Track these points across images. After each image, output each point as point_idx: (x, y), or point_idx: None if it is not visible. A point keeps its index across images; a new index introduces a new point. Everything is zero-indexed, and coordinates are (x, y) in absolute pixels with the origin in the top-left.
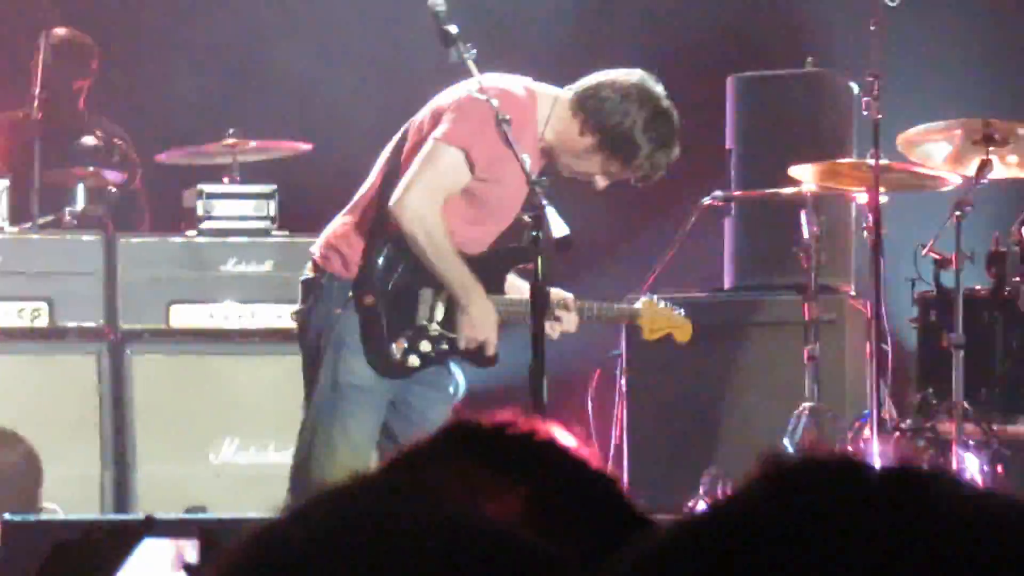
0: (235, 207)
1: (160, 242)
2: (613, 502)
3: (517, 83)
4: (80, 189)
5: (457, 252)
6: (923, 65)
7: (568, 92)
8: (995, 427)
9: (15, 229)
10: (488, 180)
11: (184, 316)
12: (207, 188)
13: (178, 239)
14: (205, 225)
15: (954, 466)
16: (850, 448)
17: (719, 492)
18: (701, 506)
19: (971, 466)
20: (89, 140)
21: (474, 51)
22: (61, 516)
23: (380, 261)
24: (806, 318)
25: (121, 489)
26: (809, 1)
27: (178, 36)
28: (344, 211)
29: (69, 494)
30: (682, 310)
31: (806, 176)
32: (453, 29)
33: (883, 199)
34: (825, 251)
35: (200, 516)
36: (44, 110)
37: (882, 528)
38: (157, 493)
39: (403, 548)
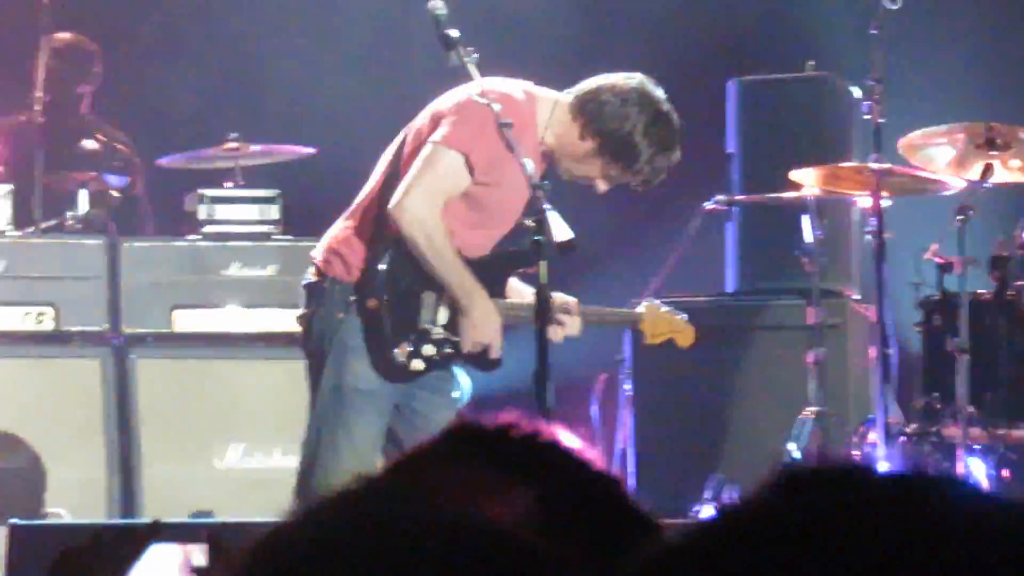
0: (238, 211)
1: (163, 246)
2: (617, 503)
3: (517, 87)
4: (82, 193)
5: (458, 255)
6: (925, 69)
7: (568, 96)
8: (1000, 431)
9: (18, 233)
10: (488, 184)
11: (188, 320)
12: (210, 192)
13: (181, 243)
14: (208, 229)
15: (959, 470)
16: (855, 453)
17: (724, 496)
18: (706, 510)
19: (977, 470)
20: (91, 145)
21: (475, 55)
22: (67, 520)
23: (382, 265)
24: (809, 322)
25: (126, 493)
26: (810, 5)
27: (181, 40)
28: (345, 215)
29: (75, 499)
30: (684, 315)
31: (808, 180)
32: (454, 33)
33: (885, 203)
34: (828, 255)
35: (207, 520)
36: (46, 114)
37: (892, 534)
38: (162, 497)
39: (407, 550)
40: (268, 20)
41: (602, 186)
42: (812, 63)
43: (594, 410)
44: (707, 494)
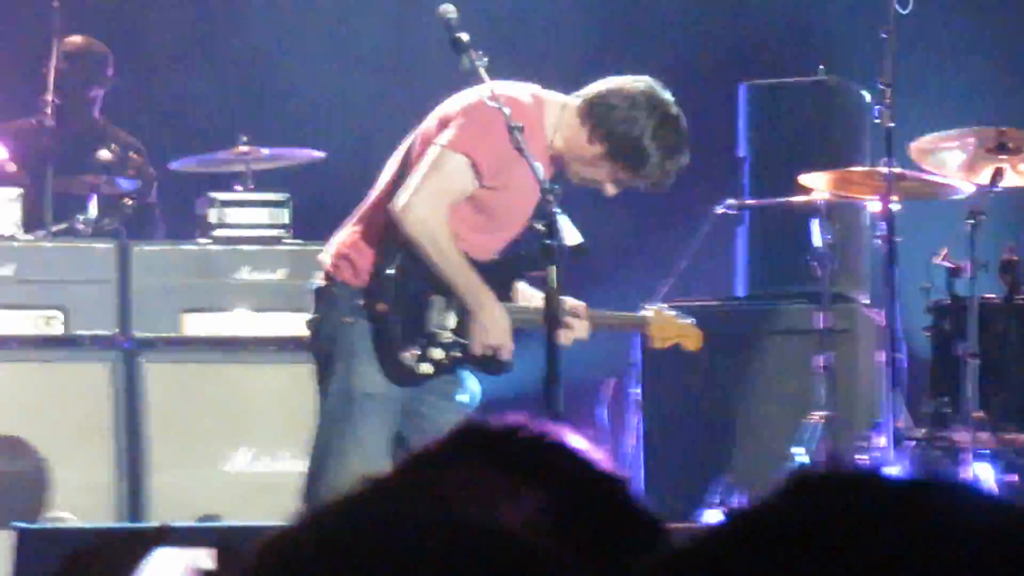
0: (248, 215)
1: (173, 250)
2: (624, 506)
3: (525, 90)
4: (93, 197)
5: (465, 258)
6: (936, 73)
7: (576, 99)
8: (1009, 436)
9: (28, 237)
10: (495, 187)
11: (197, 324)
12: (220, 196)
13: (191, 247)
14: (218, 233)
15: (969, 476)
16: (863, 458)
17: (732, 500)
18: (713, 514)
19: (985, 475)
20: (102, 149)
21: (485, 59)
22: (74, 524)
23: (391, 269)
24: (819, 327)
25: (134, 497)
26: (821, 9)
27: (192, 44)
28: (353, 219)
29: (82, 502)
30: (692, 319)
31: (818, 184)
32: (464, 37)
33: (896, 207)
34: (838, 260)
35: (215, 524)
36: (57, 118)
37: (901, 539)
38: (170, 501)
39: (414, 552)
40: (280, 24)
41: (611, 189)
42: (823, 67)
43: (602, 414)
44: (715, 498)
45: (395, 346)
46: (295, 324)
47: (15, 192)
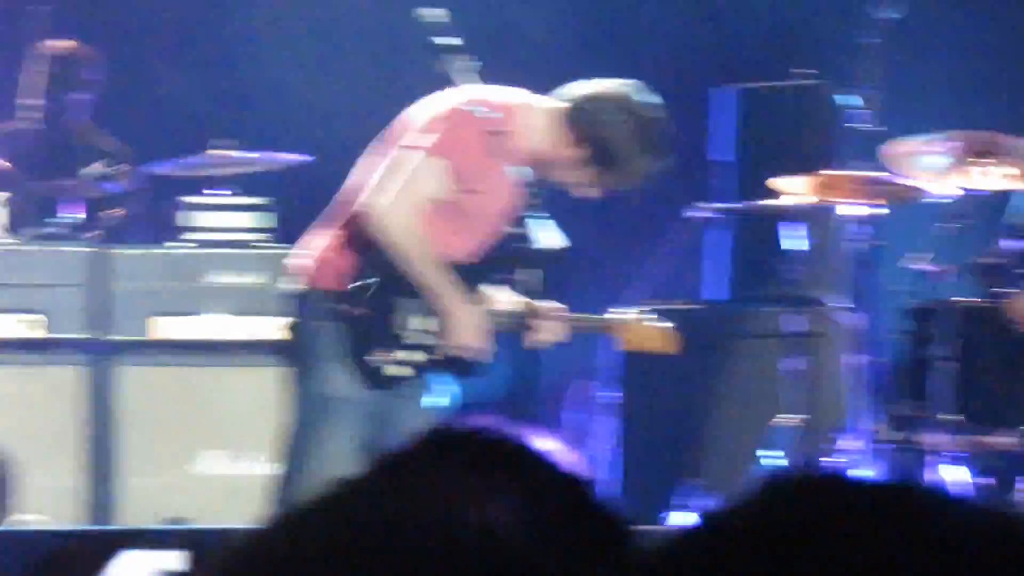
0: (227, 219)
1: (148, 254)
2: (591, 508)
3: (506, 94)
4: (73, 201)
5: (437, 260)
6: (914, 77)
7: (556, 103)
8: (979, 439)
9: (7, 240)
10: (469, 191)
11: (169, 328)
12: (199, 200)
13: (168, 251)
14: (195, 236)
15: (941, 479)
16: (833, 461)
17: (702, 503)
18: (683, 517)
19: (959, 478)
20: (85, 153)
21: (469, 63)
22: (44, 526)
23: (363, 272)
24: (791, 331)
25: (104, 500)
26: (799, 13)
27: (175, 47)
28: (323, 223)
29: (52, 505)
30: (664, 322)
31: (795, 188)
32: (450, 41)
33: (871, 211)
34: (810, 263)
35: (183, 527)
36: (41, 121)
37: (871, 541)
38: (140, 504)
39: (388, 553)
40: (263, 27)
41: (592, 192)
42: (800, 71)
43: (571, 416)
44: (685, 500)
45: (366, 349)
46: (268, 328)
47: (2, 196)
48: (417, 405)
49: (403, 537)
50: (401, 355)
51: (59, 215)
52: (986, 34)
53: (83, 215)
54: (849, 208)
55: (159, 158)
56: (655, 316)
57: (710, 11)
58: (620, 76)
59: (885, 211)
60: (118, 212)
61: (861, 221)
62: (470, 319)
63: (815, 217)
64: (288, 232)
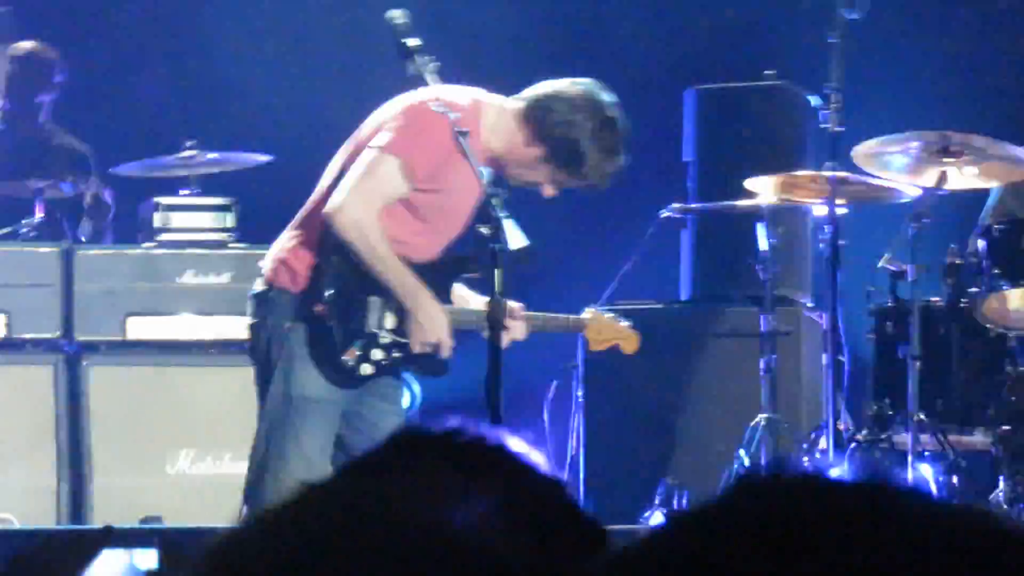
0: (193, 219)
1: (117, 254)
2: (563, 508)
3: (463, 93)
4: (38, 202)
5: (400, 259)
6: (881, 78)
7: (515, 102)
8: (951, 438)
9: None
10: (431, 190)
11: (141, 328)
12: (165, 200)
13: (135, 251)
14: (163, 237)
15: (910, 477)
16: (806, 459)
17: (674, 503)
18: (656, 516)
19: (927, 477)
20: (49, 154)
21: (433, 63)
22: (16, 526)
23: (328, 272)
24: (762, 330)
25: (77, 500)
26: (768, 14)
27: (138, 49)
28: (292, 224)
29: (25, 505)
30: (629, 321)
31: (764, 188)
32: (412, 41)
33: (840, 211)
34: (782, 263)
35: (158, 526)
36: (5, 122)
37: (848, 541)
38: (113, 504)
39: (362, 555)
40: (227, 28)
41: (549, 191)
42: (770, 72)
43: (546, 416)
44: (657, 500)
45: (334, 348)
46: (239, 328)
47: None
48: (388, 404)
49: (378, 539)
50: (372, 353)
51: (26, 217)
52: (944, 33)
53: (43, 215)
54: (818, 208)
55: (122, 160)
56: (618, 315)
57: (675, 11)
58: (588, 76)
59: (845, 211)
60: (74, 204)
61: (831, 221)
62: (436, 316)
63: (786, 217)
64: (248, 232)
